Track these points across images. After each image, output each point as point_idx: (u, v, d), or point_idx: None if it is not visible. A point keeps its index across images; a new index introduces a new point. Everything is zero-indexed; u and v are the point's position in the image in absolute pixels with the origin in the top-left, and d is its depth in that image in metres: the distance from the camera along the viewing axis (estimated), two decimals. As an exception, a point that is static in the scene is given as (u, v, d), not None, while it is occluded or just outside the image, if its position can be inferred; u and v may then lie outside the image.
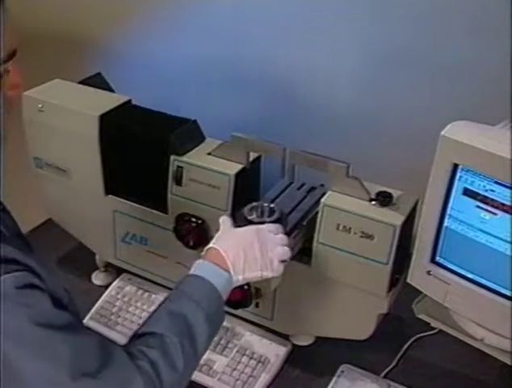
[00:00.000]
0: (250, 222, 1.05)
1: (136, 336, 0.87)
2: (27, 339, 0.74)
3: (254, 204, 1.09)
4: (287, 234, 1.06)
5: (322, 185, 1.15)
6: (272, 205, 1.09)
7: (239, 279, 0.96)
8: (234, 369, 1.21)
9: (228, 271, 0.95)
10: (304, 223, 1.14)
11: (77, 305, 0.90)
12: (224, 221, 1.04)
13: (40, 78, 1.27)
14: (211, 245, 0.98)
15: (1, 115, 0.78)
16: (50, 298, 0.77)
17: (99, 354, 0.78)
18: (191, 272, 0.94)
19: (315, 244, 1.09)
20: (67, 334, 0.76)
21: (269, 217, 1.08)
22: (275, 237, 1.01)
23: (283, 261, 1.00)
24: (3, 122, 0.79)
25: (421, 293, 1.11)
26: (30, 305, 0.74)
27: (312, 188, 1.18)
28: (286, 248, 1.01)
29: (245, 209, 1.08)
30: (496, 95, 1.17)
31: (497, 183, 0.91)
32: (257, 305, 1.23)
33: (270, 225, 1.03)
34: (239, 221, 1.07)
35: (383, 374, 1.20)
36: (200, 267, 0.95)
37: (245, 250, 0.96)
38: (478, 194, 0.94)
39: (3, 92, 0.77)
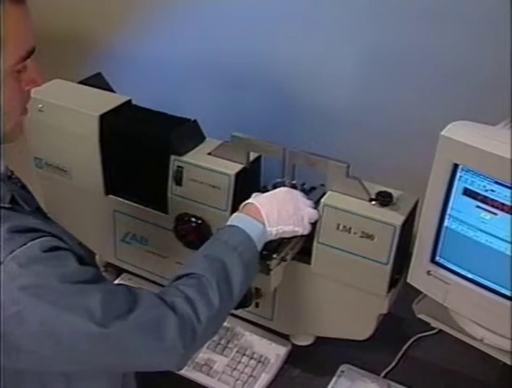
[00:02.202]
0: None
1: (175, 278, 0.92)
2: (60, 297, 0.77)
3: (278, 180, 1.12)
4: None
5: (322, 185, 1.15)
6: (294, 181, 1.12)
7: (273, 232, 1.00)
8: (234, 369, 1.21)
9: (262, 222, 0.99)
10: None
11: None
12: (257, 194, 1.08)
13: (40, 77, 1.27)
14: (246, 201, 1.03)
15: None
16: (75, 256, 0.81)
17: (127, 298, 0.82)
18: (228, 223, 0.99)
19: (315, 244, 1.09)
20: (95, 285, 0.80)
21: None
22: (305, 199, 1.06)
23: (311, 223, 1.05)
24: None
25: (421, 292, 1.11)
26: (57, 266, 0.78)
27: (312, 188, 1.18)
28: (315, 210, 1.05)
29: (270, 185, 1.11)
30: (496, 95, 1.17)
31: (497, 183, 0.91)
32: (257, 305, 1.23)
33: (300, 191, 1.08)
34: None
35: (383, 374, 1.20)
36: (236, 218, 1.00)
37: (279, 205, 1.02)
38: (478, 194, 0.94)
39: (22, 87, 0.81)
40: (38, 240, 0.78)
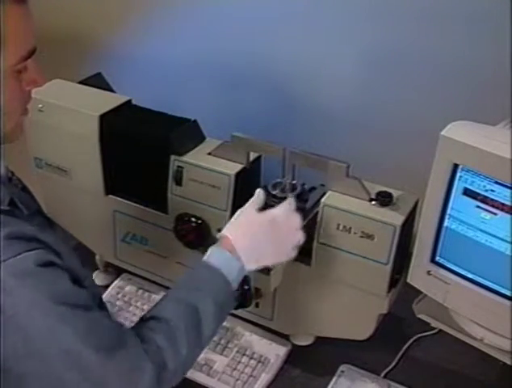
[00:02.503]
0: (273, 196, 1.09)
1: (145, 319, 0.89)
2: (47, 316, 0.76)
3: (278, 180, 1.11)
4: (306, 211, 1.10)
5: (322, 185, 1.15)
6: (294, 181, 1.11)
7: (252, 267, 0.96)
8: (234, 369, 1.21)
9: (240, 259, 0.94)
10: (304, 223, 1.14)
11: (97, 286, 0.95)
12: (260, 194, 1.02)
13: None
14: (224, 232, 0.97)
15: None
16: (69, 276, 0.80)
17: (113, 335, 0.80)
18: (204, 258, 0.95)
19: (315, 244, 1.09)
20: (83, 311, 0.79)
21: (291, 192, 1.11)
22: (290, 222, 0.99)
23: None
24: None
25: (421, 292, 1.11)
26: (49, 283, 0.77)
27: (312, 188, 1.19)
28: (300, 233, 1.00)
29: (270, 185, 1.11)
30: (496, 95, 1.17)
31: (497, 183, 0.91)
32: (257, 305, 1.23)
33: (286, 208, 1.00)
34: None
35: (383, 374, 1.20)
36: (213, 254, 0.94)
37: (259, 239, 0.96)
38: (478, 194, 0.94)
39: (22, 88, 0.81)
40: (33, 252, 0.76)
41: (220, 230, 1.11)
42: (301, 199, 1.12)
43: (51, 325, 0.76)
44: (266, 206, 1.03)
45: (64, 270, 0.80)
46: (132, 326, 0.87)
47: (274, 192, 1.11)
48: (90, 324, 0.78)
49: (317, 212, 1.08)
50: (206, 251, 0.96)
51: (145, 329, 0.85)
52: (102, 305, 0.93)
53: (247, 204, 1.01)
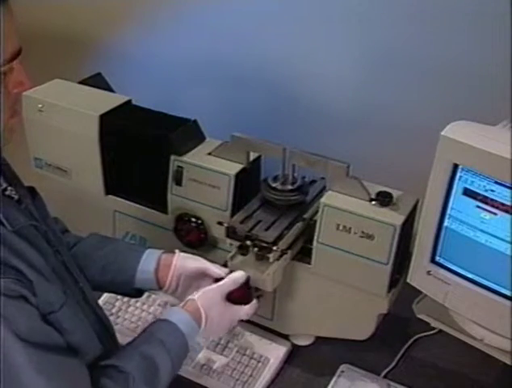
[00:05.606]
0: (274, 189, 1.12)
1: (108, 365, 0.89)
2: (6, 347, 0.75)
3: (279, 173, 1.13)
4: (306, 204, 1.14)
5: (323, 178, 1.16)
6: (295, 174, 1.12)
7: (205, 336, 1.03)
8: (234, 369, 1.21)
9: (200, 326, 0.99)
10: (306, 216, 1.14)
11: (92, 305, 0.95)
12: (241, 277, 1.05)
13: (40, 78, 1.27)
14: (192, 297, 1.00)
15: (1, 113, 0.78)
16: (38, 312, 0.79)
17: (65, 380, 0.80)
18: (171, 318, 0.97)
19: (315, 244, 1.09)
20: (45, 351, 0.78)
21: (292, 184, 1.12)
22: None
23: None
24: (3, 120, 0.80)
25: (421, 292, 1.11)
26: (13, 316, 0.75)
27: (313, 181, 1.19)
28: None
29: (270, 178, 1.13)
30: (496, 95, 1.17)
31: (497, 183, 0.91)
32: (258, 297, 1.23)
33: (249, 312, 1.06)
34: (264, 188, 1.13)
35: (383, 374, 1.20)
36: (182, 320, 0.97)
37: (221, 317, 1.02)
38: (478, 194, 0.94)
39: (9, 90, 0.79)
40: (1, 280, 0.75)
41: (220, 223, 1.11)
42: (301, 192, 1.13)
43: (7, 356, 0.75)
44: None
45: (33, 306, 0.78)
46: (96, 370, 0.87)
47: (274, 185, 1.12)
48: (50, 365, 0.78)
49: (317, 212, 1.08)
50: (205, 252, 0.96)
51: (105, 378, 0.86)
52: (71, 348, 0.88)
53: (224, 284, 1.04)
